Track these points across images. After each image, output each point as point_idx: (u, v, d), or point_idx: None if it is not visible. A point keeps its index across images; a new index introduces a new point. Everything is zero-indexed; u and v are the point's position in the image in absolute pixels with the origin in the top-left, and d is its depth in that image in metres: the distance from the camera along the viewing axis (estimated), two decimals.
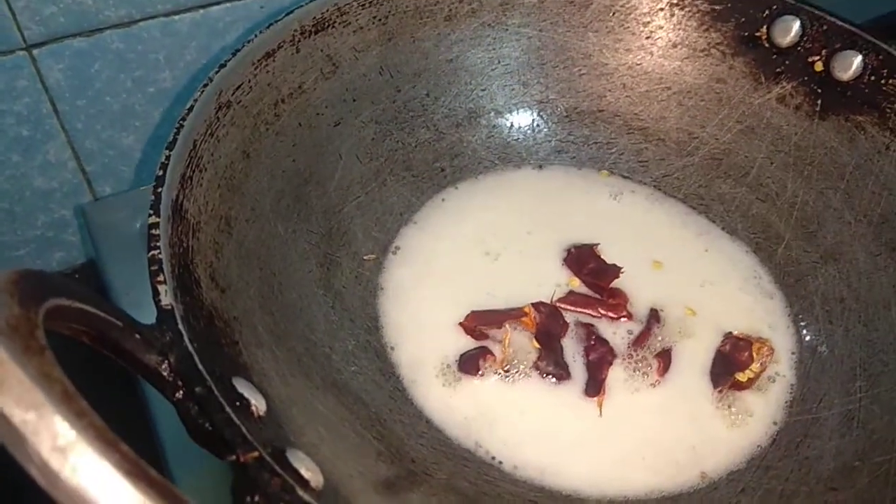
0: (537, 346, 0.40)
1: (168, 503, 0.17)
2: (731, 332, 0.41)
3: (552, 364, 0.39)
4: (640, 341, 0.40)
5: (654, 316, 0.42)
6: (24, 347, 0.17)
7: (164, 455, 0.40)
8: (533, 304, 0.41)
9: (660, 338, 0.41)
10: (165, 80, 0.57)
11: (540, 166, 0.48)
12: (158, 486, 0.17)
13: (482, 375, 0.39)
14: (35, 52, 0.52)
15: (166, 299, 0.27)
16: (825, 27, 0.43)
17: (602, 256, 0.44)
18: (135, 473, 0.17)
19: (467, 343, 0.40)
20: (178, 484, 0.38)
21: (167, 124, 0.59)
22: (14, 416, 0.16)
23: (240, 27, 0.56)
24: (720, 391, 0.39)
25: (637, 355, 0.40)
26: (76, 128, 0.57)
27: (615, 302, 0.42)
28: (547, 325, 0.40)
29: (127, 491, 0.16)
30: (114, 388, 0.38)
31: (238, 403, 0.26)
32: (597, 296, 0.42)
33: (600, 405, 0.38)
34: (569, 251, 0.44)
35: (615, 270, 0.43)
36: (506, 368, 0.39)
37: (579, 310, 0.41)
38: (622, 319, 0.41)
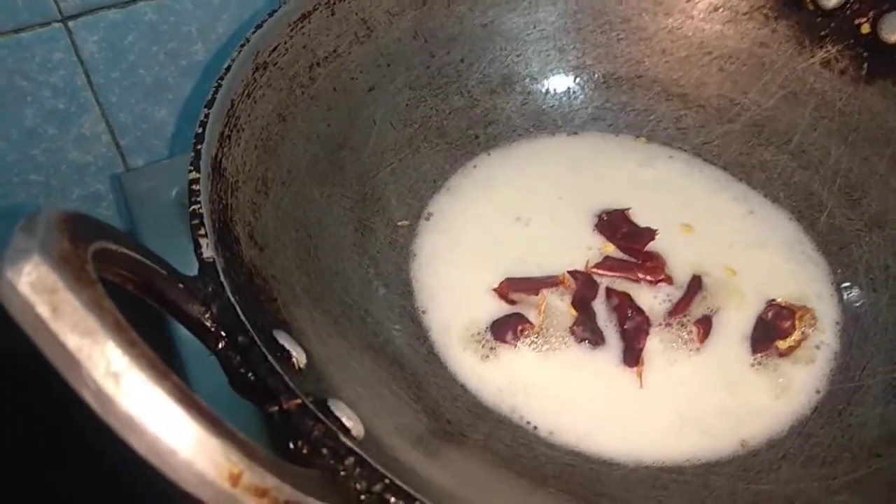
0: (574, 313, 0.39)
1: (218, 431, 0.17)
2: (774, 300, 0.40)
3: (588, 330, 0.39)
4: (680, 308, 0.40)
5: (696, 282, 0.41)
6: (76, 278, 0.17)
7: None
8: (569, 272, 0.40)
9: (700, 304, 0.40)
10: (198, 53, 0.57)
11: (575, 132, 0.48)
12: (209, 416, 0.17)
13: (517, 342, 0.38)
14: (70, 23, 0.52)
15: (208, 252, 0.27)
16: None
17: (634, 221, 0.43)
18: (186, 401, 0.17)
19: (501, 308, 0.40)
20: None
21: (199, 98, 0.59)
22: (69, 342, 0.16)
23: (270, 0, 0.56)
24: (759, 357, 0.39)
25: (676, 322, 0.39)
26: (110, 101, 0.57)
27: (652, 265, 0.41)
28: (583, 291, 0.40)
29: (179, 417, 0.16)
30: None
31: (279, 354, 0.26)
32: (633, 260, 0.42)
33: (640, 375, 0.38)
34: (600, 217, 0.44)
35: (650, 233, 0.42)
36: (540, 335, 0.39)
37: (616, 274, 0.41)
38: (661, 283, 0.41)
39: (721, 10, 0.46)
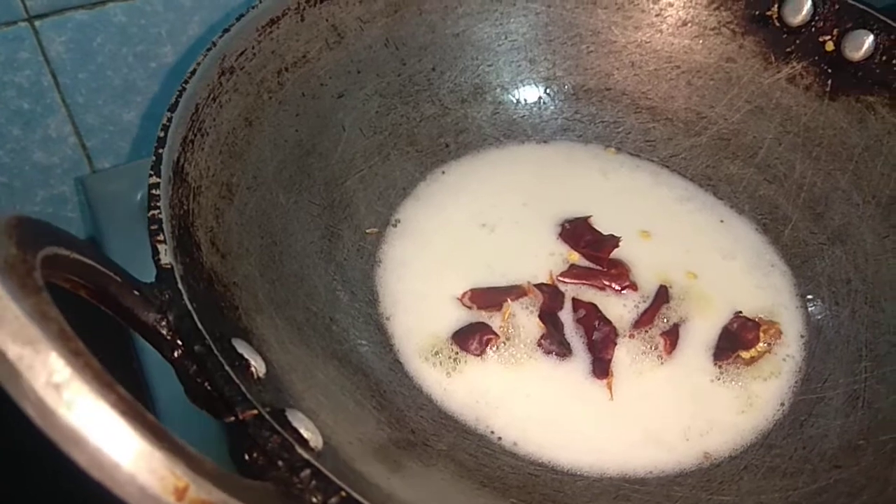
0: (541, 326, 0.39)
1: (162, 444, 0.16)
2: (740, 312, 0.41)
3: (555, 343, 0.39)
4: (646, 319, 0.40)
5: (663, 292, 0.41)
6: (21, 285, 0.17)
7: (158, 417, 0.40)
8: (535, 285, 0.41)
9: (666, 315, 0.40)
10: (167, 55, 0.57)
11: (545, 141, 0.48)
12: (154, 428, 0.17)
13: (482, 352, 0.38)
14: (37, 23, 0.51)
15: (166, 258, 0.27)
16: (837, 6, 0.43)
17: (596, 228, 0.44)
18: (130, 414, 0.16)
19: (465, 316, 0.40)
20: None
21: (168, 101, 0.59)
22: (9, 351, 0.16)
23: (243, 2, 0.56)
24: (723, 367, 0.39)
25: (643, 333, 0.40)
26: (77, 102, 0.56)
27: (617, 272, 0.41)
28: (550, 304, 0.40)
29: (122, 430, 0.16)
30: (108, 353, 0.38)
31: (237, 363, 0.26)
32: (598, 267, 0.42)
33: (610, 387, 0.38)
34: (563, 225, 0.44)
35: (613, 241, 0.43)
36: (507, 345, 0.39)
37: (582, 282, 0.41)
38: (626, 290, 0.41)
39: (689, 25, 0.47)
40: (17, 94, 0.54)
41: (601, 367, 0.38)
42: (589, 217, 0.44)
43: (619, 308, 0.41)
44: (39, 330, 0.16)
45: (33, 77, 0.53)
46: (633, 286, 0.41)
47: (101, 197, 0.53)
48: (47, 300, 0.18)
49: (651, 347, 0.39)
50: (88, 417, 0.16)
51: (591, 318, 0.39)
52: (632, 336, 0.40)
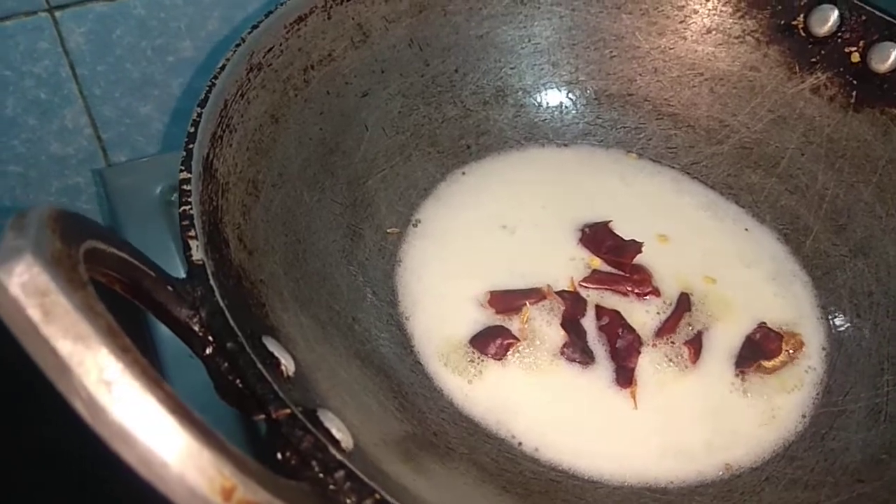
0: (564, 333, 0.39)
1: (210, 442, 0.16)
2: (764, 323, 0.41)
3: (578, 351, 0.38)
4: (669, 327, 0.40)
5: (685, 301, 0.41)
6: (69, 280, 0.17)
7: None
8: (557, 292, 0.40)
9: (688, 323, 0.40)
10: (186, 50, 0.56)
11: (565, 145, 0.48)
12: (201, 427, 0.16)
13: (503, 356, 0.38)
14: (57, 14, 0.51)
15: (198, 254, 0.26)
16: (864, 17, 0.42)
17: (617, 232, 0.43)
18: (179, 412, 0.16)
19: (486, 318, 0.39)
20: None
21: (186, 96, 0.59)
22: (61, 348, 0.15)
23: None
24: (745, 376, 0.39)
25: (666, 341, 0.40)
26: (94, 94, 0.56)
27: (640, 278, 0.41)
28: (572, 311, 0.40)
29: (172, 428, 0.16)
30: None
31: (268, 361, 0.26)
32: (621, 273, 0.42)
33: (634, 396, 0.37)
34: (583, 230, 0.44)
35: (636, 246, 0.43)
36: (528, 350, 0.38)
37: (604, 287, 0.41)
38: (649, 296, 0.41)
39: (713, 32, 0.47)
40: (36, 83, 0.54)
41: (624, 376, 0.38)
42: (609, 222, 0.44)
43: (641, 314, 0.41)
44: (90, 325, 0.16)
45: (52, 67, 0.53)
46: (656, 292, 0.41)
47: (118, 190, 0.53)
48: (94, 295, 0.17)
49: (675, 356, 0.39)
50: (139, 415, 0.16)
51: (614, 325, 0.39)
52: (654, 345, 0.39)
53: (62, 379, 0.15)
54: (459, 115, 0.47)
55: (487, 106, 0.47)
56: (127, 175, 0.54)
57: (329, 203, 0.39)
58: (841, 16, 0.43)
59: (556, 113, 0.48)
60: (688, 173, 0.48)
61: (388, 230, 0.42)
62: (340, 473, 0.22)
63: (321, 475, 0.22)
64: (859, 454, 0.35)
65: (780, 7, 0.45)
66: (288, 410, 0.23)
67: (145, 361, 0.17)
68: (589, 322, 0.40)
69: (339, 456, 0.22)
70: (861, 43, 0.43)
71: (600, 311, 0.40)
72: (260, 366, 0.24)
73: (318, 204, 0.39)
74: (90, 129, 0.58)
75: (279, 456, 0.23)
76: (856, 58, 0.43)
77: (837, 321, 0.41)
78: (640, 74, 0.48)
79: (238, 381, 0.24)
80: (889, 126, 0.42)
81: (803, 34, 0.45)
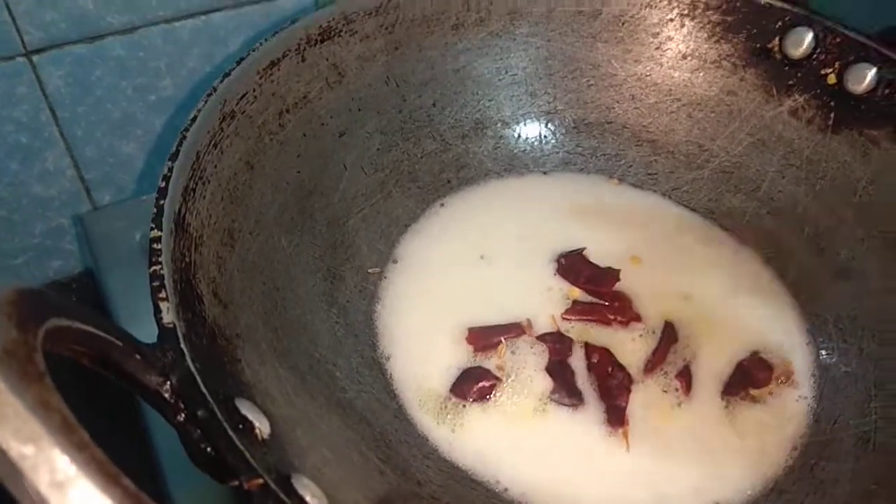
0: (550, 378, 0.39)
1: None
2: (756, 352, 0.41)
3: (566, 394, 0.38)
4: (657, 359, 0.39)
5: (671, 331, 0.41)
6: (22, 374, 0.16)
7: (163, 475, 0.39)
8: (538, 336, 0.40)
9: (675, 352, 0.40)
10: (167, 88, 0.56)
11: (545, 173, 0.48)
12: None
13: (484, 399, 0.38)
14: (35, 58, 0.51)
15: (168, 317, 0.26)
16: (839, 39, 0.42)
17: (591, 261, 0.43)
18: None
19: (466, 356, 0.39)
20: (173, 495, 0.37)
21: (168, 133, 0.58)
22: (11, 450, 0.15)
23: (242, 34, 0.56)
24: (729, 403, 0.39)
25: (656, 376, 0.39)
26: (76, 135, 0.56)
27: (621, 305, 0.41)
28: (557, 354, 0.39)
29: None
30: (110, 402, 0.37)
31: (241, 426, 0.25)
32: (601, 302, 0.41)
33: (626, 437, 0.37)
34: (559, 261, 0.43)
35: (613, 273, 0.42)
36: (508, 389, 0.38)
37: (586, 318, 0.41)
38: (631, 323, 0.41)
39: (689, 58, 0.47)
40: (16, 128, 0.53)
41: (616, 416, 0.37)
42: (583, 250, 0.44)
43: (627, 343, 0.40)
44: (41, 425, 0.16)
45: (31, 112, 0.53)
46: (638, 317, 0.41)
47: (99, 235, 0.52)
48: (49, 387, 0.17)
49: (664, 391, 0.39)
50: None
51: (604, 364, 0.39)
52: (644, 381, 0.39)
53: (14, 483, 0.15)
54: (439, 149, 0.47)
55: (467, 139, 0.47)
56: (107, 220, 0.54)
57: (308, 247, 0.39)
58: (816, 38, 0.43)
59: (535, 143, 0.48)
60: (670, 198, 0.47)
61: (370, 270, 0.42)
62: None
63: None
64: (849, 485, 0.35)
65: (755, 31, 0.45)
66: (260, 480, 0.23)
67: (102, 456, 0.16)
68: (576, 360, 0.39)
69: None
70: (837, 64, 0.43)
71: (589, 349, 0.40)
72: (231, 433, 0.24)
73: (297, 249, 0.38)
74: (73, 170, 0.58)
75: None
76: (832, 79, 0.43)
77: (824, 346, 0.41)
78: (618, 102, 0.48)
79: (210, 448, 0.24)
80: (868, 147, 0.42)
81: (779, 57, 0.45)
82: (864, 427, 0.37)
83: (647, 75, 0.47)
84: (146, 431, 0.41)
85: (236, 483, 0.24)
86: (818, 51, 0.43)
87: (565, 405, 0.38)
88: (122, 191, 0.60)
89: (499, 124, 0.48)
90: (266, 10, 0.55)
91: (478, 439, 0.36)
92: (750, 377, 0.39)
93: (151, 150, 0.59)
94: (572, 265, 0.43)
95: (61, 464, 0.15)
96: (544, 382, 0.38)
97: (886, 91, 0.42)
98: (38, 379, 0.17)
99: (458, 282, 0.42)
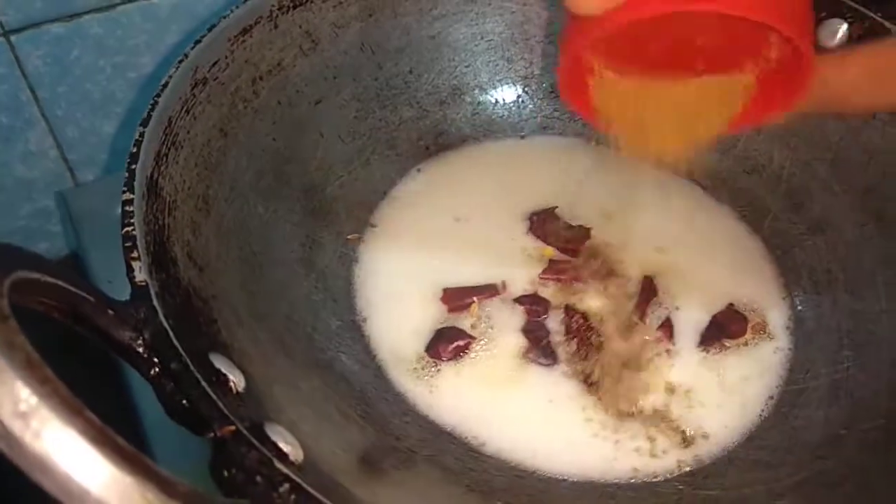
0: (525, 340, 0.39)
1: (133, 468, 0.16)
2: (732, 304, 0.41)
3: (541, 354, 0.38)
4: (638, 315, 0.40)
5: (649, 285, 0.41)
6: None
7: (146, 436, 0.40)
8: (515, 299, 0.40)
9: (656, 306, 0.41)
10: (146, 66, 0.56)
11: (522, 137, 0.48)
12: (124, 453, 0.17)
13: (459, 358, 0.38)
14: (13, 38, 0.51)
15: (140, 275, 0.27)
16: None
17: (563, 219, 0.44)
18: (100, 440, 0.16)
19: (442, 316, 0.40)
20: (159, 463, 0.38)
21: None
22: None
23: (221, 10, 0.55)
24: (707, 353, 0.39)
25: (635, 333, 0.40)
26: (56, 115, 0.56)
27: (595, 262, 0.41)
28: (533, 315, 0.40)
29: (91, 456, 0.16)
30: (94, 371, 0.38)
31: (215, 379, 0.26)
32: (574, 259, 0.42)
33: (600, 394, 0.37)
34: (531, 219, 0.44)
35: (584, 231, 0.43)
36: (485, 349, 0.38)
37: (562, 277, 0.41)
38: (607, 279, 0.41)
39: None
40: None
41: (587, 374, 0.38)
42: (555, 208, 0.44)
43: (605, 298, 0.41)
44: (5, 360, 0.16)
45: (11, 92, 0.53)
46: (613, 272, 0.41)
47: (82, 211, 0.53)
48: (13, 328, 0.18)
49: (646, 345, 0.39)
50: (56, 445, 0.16)
51: (578, 324, 0.39)
52: (625, 336, 0.39)
53: None
54: (416, 116, 0.47)
55: (444, 105, 0.47)
56: (89, 196, 0.54)
57: (286, 213, 0.39)
58: None
59: (513, 108, 0.49)
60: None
61: (349, 237, 0.42)
62: (285, 487, 0.22)
63: (266, 490, 0.22)
64: (820, 431, 0.35)
65: None
66: (232, 427, 0.23)
67: (65, 391, 0.17)
68: (552, 320, 0.40)
69: (284, 469, 0.23)
70: None
71: (566, 311, 0.40)
72: (204, 384, 0.24)
73: (275, 215, 0.39)
74: (55, 150, 0.58)
75: (226, 473, 0.23)
76: None
77: (799, 299, 0.42)
78: None
79: (184, 400, 0.24)
80: None
81: None
82: (836, 375, 0.38)
83: None
84: (130, 397, 0.42)
85: (212, 434, 0.24)
86: None
87: (541, 364, 0.38)
88: (106, 170, 0.60)
89: (476, 90, 0.48)
90: None
91: (454, 397, 0.37)
92: (725, 329, 0.40)
93: (133, 127, 0.59)
94: (544, 223, 0.43)
95: (23, 395, 0.16)
96: (520, 342, 0.39)
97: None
98: (3, 320, 0.17)
99: (434, 244, 0.42)
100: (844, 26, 0.42)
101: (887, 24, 0.40)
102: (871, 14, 0.41)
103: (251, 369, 0.29)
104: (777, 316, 0.41)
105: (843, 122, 0.43)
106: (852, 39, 0.42)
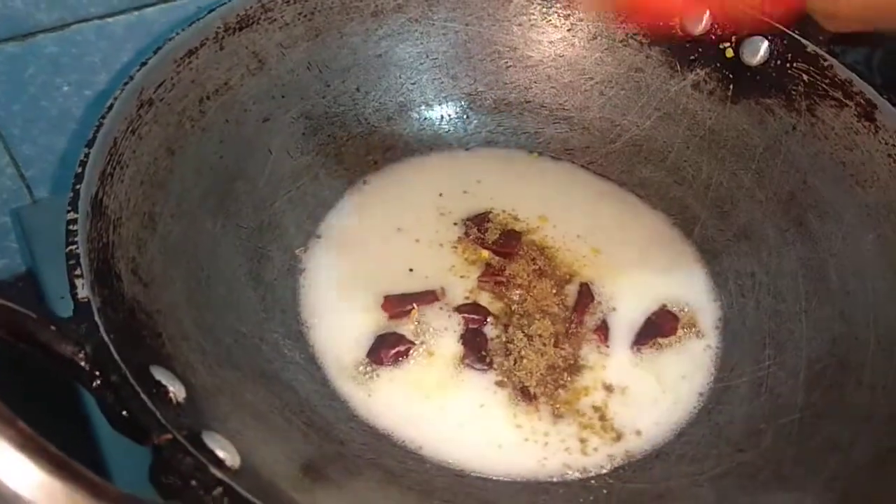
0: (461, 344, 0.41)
1: (63, 474, 0.18)
2: (665, 305, 0.43)
3: (477, 360, 0.40)
4: (576, 321, 0.42)
5: (586, 292, 0.43)
6: None
7: (102, 451, 0.40)
8: (456, 308, 0.42)
9: (591, 312, 0.43)
10: (102, 83, 0.57)
11: (467, 150, 0.50)
12: (54, 460, 0.18)
13: (398, 362, 0.39)
14: None
15: (83, 292, 0.28)
16: (733, 14, 0.45)
17: (496, 223, 0.46)
18: (29, 447, 0.17)
19: (385, 324, 0.41)
20: (115, 479, 0.39)
21: None
22: None
23: (176, 28, 0.56)
24: (639, 352, 0.41)
25: (571, 337, 0.41)
26: (13, 133, 0.56)
27: (529, 264, 0.43)
28: (472, 322, 0.41)
29: (20, 463, 0.17)
30: (52, 394, 0.39)
31: (154, 390, 0.27)
32: (509, 262, 0.44)
33: (534, 397, 0.39)
34: (466, 225, 0.46)
35: (516, 235, 0.45)
36: (423, 354, 0.40)
37: (498, 280, 0.43)
38: (542, 278, 0.43)
39: (599, 38, 0.49)
40: None
41: (521, 379, 0.39)
42: (489, 212, 0.46)
43: (541, 304, 0.42)
44: None
45: None
46: (548, 273, 0.43)
47: (36, 228, 0.53)
48: None
49: (579, 349, 0.41)
50: None
51: (515, 332, 0.40)
52: (558, 345, 0.41)
53: None
54: (364, 132, 0.48)
55: (391, 121, 0.49)
56: (44, 213, 0.54)
57: (234, 229, 0.41)
58: (712, 15, 0.46)
59: (458, 123, 0.50)
60: (587, 170, 0.50)
61: (297, 251, 0.43)
62: (218, 490, 0.23)
63: (200, 493, 0.23)
64: (741, 425, 0.38)
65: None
66: (169, 436, 0.24)
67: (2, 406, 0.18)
68: (490, 327, 0.42)
69: (218, 474, 0.24)
70: (733, 38, 0.46)
71: (503, 317, 0.42)
72: (143, 395, 0.25)
73: (223, 230, 0.40)
74: (12, 168, 0.58)
75: (163, 480, 0.24)
76: (730, 53, 0.46)
77: (726, 301, 0.44)
78: (536, 82, 0.50)
79: (124, 411, 0.26)
80: (764, 115, 0.45)
81: (681, 34, 0.47)
82: (759, 373, 0.40)
83: (560, 56, 0.50)
84: (86, 413, 0.42)
85: (151, 443, 0.26)
86: (715, 27, 0.46)
87: (476, 370, 0.40)
88: (63, 187, 0.60)
89: (422, 106, 0.50)
90: (199, 3, 0.56)
91: (394, 402, 0.38)
92: (659, 328, 0.42)
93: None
94: (479, 228, 0.45)
95: None
96: (458, 348, 0.41)
97: (778, 62, 0.44)
98: None
99: (377, 254, 0.44)
100: (766, 44, 0.45)
101: (803, 41, 0.43)
102: (790, 31, 0.44)
103: (195, 380, 0.31)
104: (707, 317, 0.43)
105: (766, 132, 0.45)
106: (773, 56, 0.45)
